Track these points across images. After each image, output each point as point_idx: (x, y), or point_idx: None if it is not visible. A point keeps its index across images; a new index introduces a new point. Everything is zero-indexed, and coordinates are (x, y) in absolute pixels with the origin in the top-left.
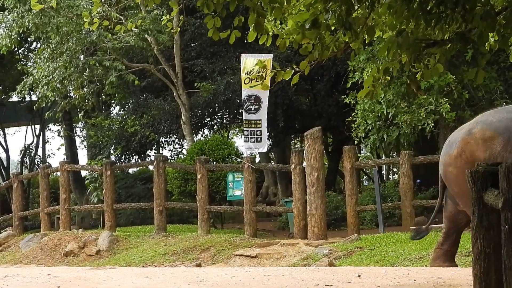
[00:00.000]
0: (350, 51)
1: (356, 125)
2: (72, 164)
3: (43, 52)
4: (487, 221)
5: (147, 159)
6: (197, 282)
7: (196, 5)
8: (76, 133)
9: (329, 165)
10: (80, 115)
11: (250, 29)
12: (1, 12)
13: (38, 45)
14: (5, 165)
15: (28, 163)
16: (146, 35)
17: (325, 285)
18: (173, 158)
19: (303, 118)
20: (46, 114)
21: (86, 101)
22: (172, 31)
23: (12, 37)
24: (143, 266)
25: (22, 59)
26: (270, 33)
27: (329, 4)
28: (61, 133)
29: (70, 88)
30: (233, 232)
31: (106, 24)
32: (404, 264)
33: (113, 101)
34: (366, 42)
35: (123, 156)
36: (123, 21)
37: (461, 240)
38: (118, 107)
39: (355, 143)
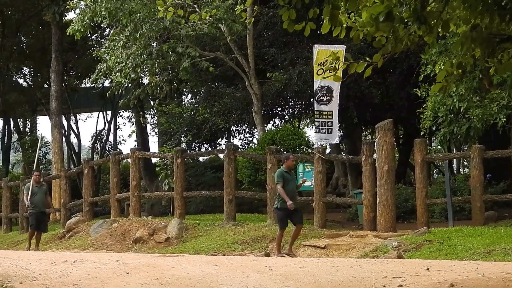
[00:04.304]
0: (423, 44)
1: (424, 117)
2: (143, 151)
3: (116, 38)
4: None
5: (218, 148)
6: (266, 271)
7: None
8: (147, 120)
9: (399, 158)
10: (153, 103)
11: (324, 21)
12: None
13: (111, 32)
14: (77, 151)
15: (99, 149)
16: (219, 24)
17: (394, 277)
18: (243, 147)
19: (374, 110)
20: (121, 102)
21: (159, 89)
22: (246, 21)
23: (85, 22)
24: (212, 255)
25: (95, 46)
26: (344, 25)
27: None
28: (132, 120)
29: (142, 75)
30: None
31: (180, 13)
32: (473, 258)
33: (185, 89)
34: (440, 35)
35: (194, 144)
36: (197, 9)
37: None
38: (190, 95)
39: (421, 135)
